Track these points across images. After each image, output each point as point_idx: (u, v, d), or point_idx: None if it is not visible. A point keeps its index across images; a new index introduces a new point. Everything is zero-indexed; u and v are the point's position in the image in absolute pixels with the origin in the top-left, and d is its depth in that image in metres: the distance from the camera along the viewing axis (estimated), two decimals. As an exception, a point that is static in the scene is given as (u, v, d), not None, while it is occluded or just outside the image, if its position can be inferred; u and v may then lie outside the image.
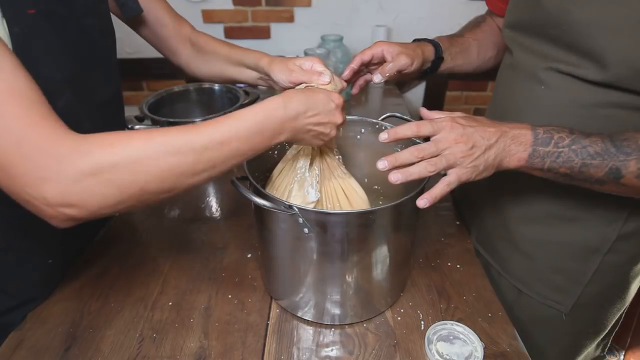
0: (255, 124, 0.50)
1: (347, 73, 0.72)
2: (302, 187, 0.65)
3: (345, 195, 0.68)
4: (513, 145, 0.57)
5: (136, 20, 0.81)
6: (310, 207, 0.63)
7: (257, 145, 0.52)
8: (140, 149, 0.44)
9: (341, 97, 0.59)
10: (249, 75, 0.75)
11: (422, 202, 0.56)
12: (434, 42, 0.79)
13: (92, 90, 0.68)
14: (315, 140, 0.59)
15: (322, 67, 0.65)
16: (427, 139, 0.58)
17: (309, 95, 0.55)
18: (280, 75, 0.66)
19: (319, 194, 0.65)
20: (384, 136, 0.58)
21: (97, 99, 0.70)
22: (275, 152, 0.76)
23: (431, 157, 0.55)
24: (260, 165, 0.73)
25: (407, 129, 0.57)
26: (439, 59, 0.79)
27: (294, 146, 0.69)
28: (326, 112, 0.56)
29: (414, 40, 0.81)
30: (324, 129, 0.57)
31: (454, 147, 0.55)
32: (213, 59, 0.80)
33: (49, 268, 0.73)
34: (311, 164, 0.66)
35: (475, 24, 0.88)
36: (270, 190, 0.68)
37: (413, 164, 0.56)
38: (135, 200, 0.46)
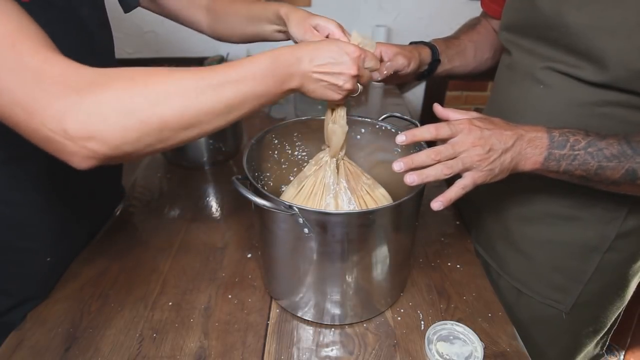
0: (266, 66, 0.51)
1: None
2: (338, 202, 0.66)
3: (376, 203, 0.68)
4: (529, 149, 0.57)
5: (144, 2, 0.80)
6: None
7: (270, 88, 0.51)
8: (160, 85, 0.44)
9: (357, 50, 0.55)
10: (269, 29, 0.74)
11: (437, 204, 0.57)
12: (430, 45, 0.80)
13: None
14: (329, 92, 0.56)
15: (340, 34, 0.64)
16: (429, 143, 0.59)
17: (319, 44, 0.55)
18: (295, 29, 0.66)
19: (355, 204, 0.65)
20: (401, 138, 0.57)
21: None
22: (276, 153, 0.76)
23: (447, 160, 0.55)
24: (261, 166, 0.73)
25: (426, 132, 0.56)
26: (435, 61, 0.79)
27: (312, 162, 0.69)
28: (337, 62, 0.54)
29: (411, 43, 0.81)
30: (336, 80, 0.55)
31: (471, 150, 0.55)
32: (232, 20, 0.79)
33: (48, 266, 0.73)
34: (338, 176, 0.67)
35: (470, 26, 0.88)
36: None
37: (429, 165, 0.56)
38: (156, 136, 0.45)
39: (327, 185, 0.66)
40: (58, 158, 0.44)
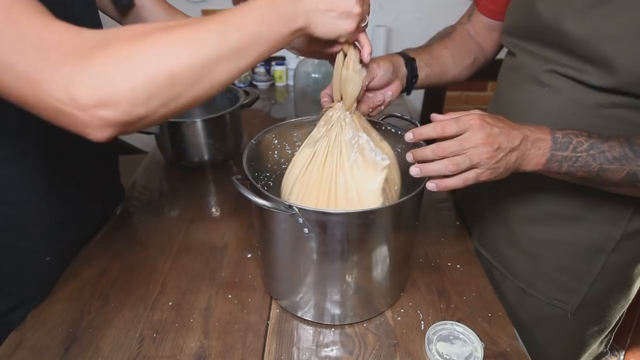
0: (266, 7, 0.48)
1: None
2: (366, 156, 0.61)
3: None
4: (533, 150, 0.57)
5: (125, 11, 0.79)
6: (379, 180, 0.60)
7: (275, 30, 0.49)
8: (162, 38, 0.42)
9: None
10: None
11: (432, 185, 0.57)
12: (399, 53, 0.76)
13: None
14: (339, 22, 0.53)
15: None
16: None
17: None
18: None
19: (384, 155, 0.62)
20: (409, 136, 0.59)
21: None
22: (276, 153, 0.76)
23: (454, 156, 0.55)
24: (260, 166, 0.73)
25: (432, 131, 0.56)
26: (411, 60, 0.75)
27: (320, 122, 0.64)
28: None
29: None
30: (344, 5, 0.52)
31: (480, 147, 0.54)
32: None
33: (47, 266, 0.73)
34: (356, 130, 0.62)
35: (444, 35, 0.85)
36: (313, 180, 0.62)
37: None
38: (167, 94, 0.42)
39: (346, 142, 0.61)
40: (74, 133, 0.42)
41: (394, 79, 0.71)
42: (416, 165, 0.57)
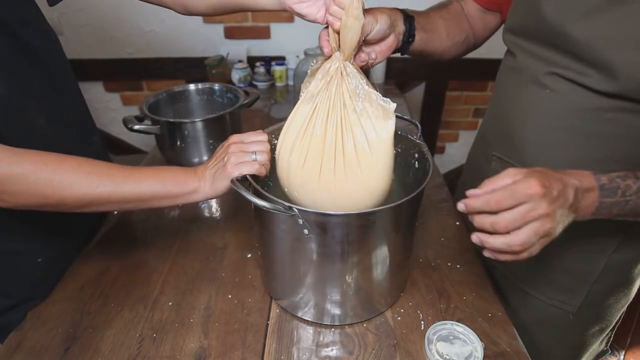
0: (172, 195, 0.61)
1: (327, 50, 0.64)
2: (373, 102, 0.57)
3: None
4: (583, 201, 0.53)
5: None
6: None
7: (174, 203, 0.63)
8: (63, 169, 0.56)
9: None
10: None
11: (476, 238, 0.51)
12: (398, 8, 0.73)
13: (33, 79, 0.67)
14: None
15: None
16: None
17: (216, 183, 0.62)
18: None
19: (388, 99, 0.58)
20: (461, 207, 0.53)
21: (41, 87, 0.69)
22: (276, 153, 0.76)
23: (514, 227, 0.49)
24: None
25: (485, 205, 0.50)
26: (409, 18, 0.71)
27: (319, 76, 0.60)
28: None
29: None
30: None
31: (544, 219, 0.48)
32: None
33: (41, 267, 0.73)
34: (359, 78, 0.58)
35: (440, 6, 0.83)
36: (317, 137, 0.59)
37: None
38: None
39: (351, 91, 0.57)
40: None
41: (390, 33, 0.67)
42: (476, 234, 0.51)
